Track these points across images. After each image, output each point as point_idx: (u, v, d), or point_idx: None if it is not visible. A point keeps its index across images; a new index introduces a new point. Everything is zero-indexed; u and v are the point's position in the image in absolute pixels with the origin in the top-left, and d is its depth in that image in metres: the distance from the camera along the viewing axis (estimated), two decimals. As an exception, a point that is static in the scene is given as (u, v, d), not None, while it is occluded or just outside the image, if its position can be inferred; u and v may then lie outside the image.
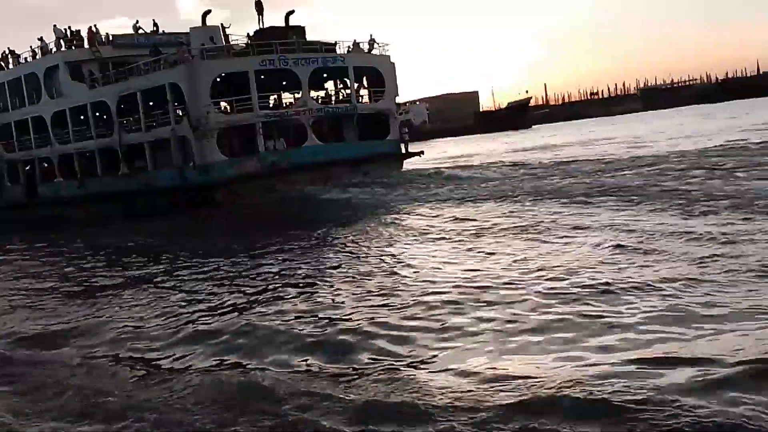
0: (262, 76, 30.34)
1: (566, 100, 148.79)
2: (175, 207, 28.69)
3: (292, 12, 33.12)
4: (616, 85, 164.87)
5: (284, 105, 34.46)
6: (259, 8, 32.05)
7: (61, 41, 35.44)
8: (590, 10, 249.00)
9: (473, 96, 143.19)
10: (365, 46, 33.90)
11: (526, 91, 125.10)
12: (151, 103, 31.94)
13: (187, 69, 28.82)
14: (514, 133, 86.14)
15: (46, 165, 38.34)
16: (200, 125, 28.50)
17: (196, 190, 28.91)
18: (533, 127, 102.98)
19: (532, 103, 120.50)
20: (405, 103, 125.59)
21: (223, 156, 29.05)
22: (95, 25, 35.78)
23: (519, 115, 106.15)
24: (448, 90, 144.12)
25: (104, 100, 33.09)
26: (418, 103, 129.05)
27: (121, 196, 32.35)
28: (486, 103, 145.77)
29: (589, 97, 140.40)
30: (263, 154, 29.71)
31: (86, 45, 35.41)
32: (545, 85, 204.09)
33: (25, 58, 38.68)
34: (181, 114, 29.96)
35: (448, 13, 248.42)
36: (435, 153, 53.19)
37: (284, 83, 33.88)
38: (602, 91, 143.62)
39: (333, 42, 32.98)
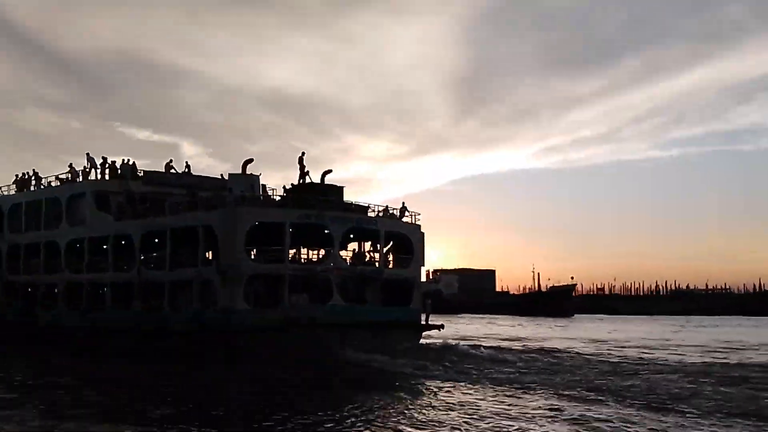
0: (291, 229, 30.48)
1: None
2: (189, 350, 27.96)
3: (329, 171, 34.01)
4: (634, 282, 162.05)
5: (308, 260, 34.43)
6: (301, 163, 32.73)
7: (93, 170, 35.73)
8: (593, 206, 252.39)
9: (491, 273, 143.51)
10: (395, 212, 34.44)
11: (572, 277, 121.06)
12: (174, 243, 31.75)
13: (225, 214, 29.06)
14: (559, 321, 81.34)
15: (49, 291, 37.52)
16: (229, 271, 28.29)
17: (215, 334, 28.20)
18: (575, 316, 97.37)
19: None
20: (436, 272, 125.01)
21: (247, 305, 28.58)
22: (129, 159, 36.23)
23: (561, 301, 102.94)
24: (461, 265, 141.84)
25: (128, 233, 32.99)
26: (445, 274, 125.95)
27: (129, 332, 31.49)
28: (501, 283, 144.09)
29: (596, 292, 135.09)
30: (287, 306, 29.29)
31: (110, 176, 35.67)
32: (538, 274, 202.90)
33: (49, 182, 38.96)
34: (209, 257, 29.76)
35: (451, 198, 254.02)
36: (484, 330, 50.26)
37: (305, 238, 33.73)
38: (613, 286, 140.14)
39: (366, 205, 33.56)
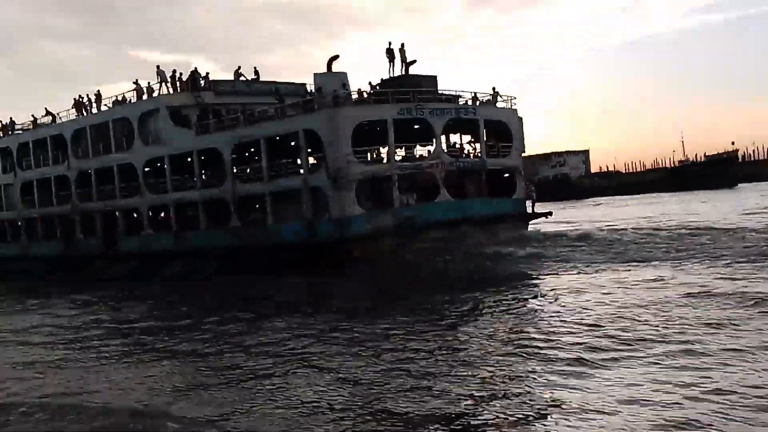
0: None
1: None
2: (301, 264, 27.22)
3: (413, 62, 32.29)
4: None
5: (405, 157, 33.30)
6: (391, 55, 31.10)
7: (163, 85, 34.22)
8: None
9: (585, 153, 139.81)
10: (489, 99, 32.94)
11: (732, 143, 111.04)
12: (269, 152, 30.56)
13: (328, 115, 27.75)
14: (725, 193, 71.35)
15: (131, 216, 36.67)
16: (340, 175, 27.23)
17: (330, 245, 27.39)
18: (739, 186, 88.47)
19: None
20: (560, 153, 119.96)
21: (360, 209, 27.64)
22: (196, 69, 34.71)
23: (721, 171, 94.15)
24: (552, 148, 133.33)
25: (215, 147, 31.77)
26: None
27: (230, 251, 30.74)
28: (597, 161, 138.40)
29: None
30: (399, 209, 28.36)
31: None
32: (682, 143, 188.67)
33: (113, 102, 37.49)
34: (314, 163, 28.67)
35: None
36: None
37: (401, 134, 32.36)
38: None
39: (457, 93, 32.06)
